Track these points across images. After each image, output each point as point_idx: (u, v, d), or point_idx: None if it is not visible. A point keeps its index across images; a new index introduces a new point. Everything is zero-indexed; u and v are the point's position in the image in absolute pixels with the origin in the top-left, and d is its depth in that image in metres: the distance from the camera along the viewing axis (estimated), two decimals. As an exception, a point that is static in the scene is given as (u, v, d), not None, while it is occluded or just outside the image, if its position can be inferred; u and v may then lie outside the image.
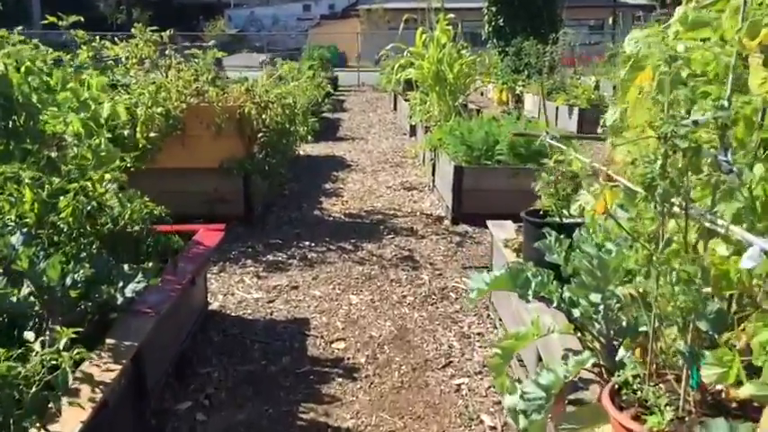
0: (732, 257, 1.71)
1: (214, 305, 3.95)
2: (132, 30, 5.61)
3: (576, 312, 1.99)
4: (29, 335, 1.88)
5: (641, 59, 2.17)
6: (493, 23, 14.93)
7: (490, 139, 5.76)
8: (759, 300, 1.65)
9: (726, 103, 1.48)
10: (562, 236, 2.19)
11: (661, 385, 1.64)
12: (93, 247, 2.58)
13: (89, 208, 2.63)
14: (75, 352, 1.76)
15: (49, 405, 1.84)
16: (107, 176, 3.04)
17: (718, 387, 1.59)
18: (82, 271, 2.16)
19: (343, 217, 5.99)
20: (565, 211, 2.76)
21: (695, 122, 1.42)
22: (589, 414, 1.78)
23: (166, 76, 5.47)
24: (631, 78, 2.27)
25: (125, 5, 42.51)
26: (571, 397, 2.03)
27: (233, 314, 3.87)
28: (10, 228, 2.31)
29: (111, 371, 2.23)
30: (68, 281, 2.11)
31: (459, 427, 2.74)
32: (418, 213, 6.06)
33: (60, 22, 4.70)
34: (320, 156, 9.13)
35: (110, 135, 3.68)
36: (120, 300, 2.31)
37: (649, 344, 1.60)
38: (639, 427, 1.53)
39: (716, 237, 1.53)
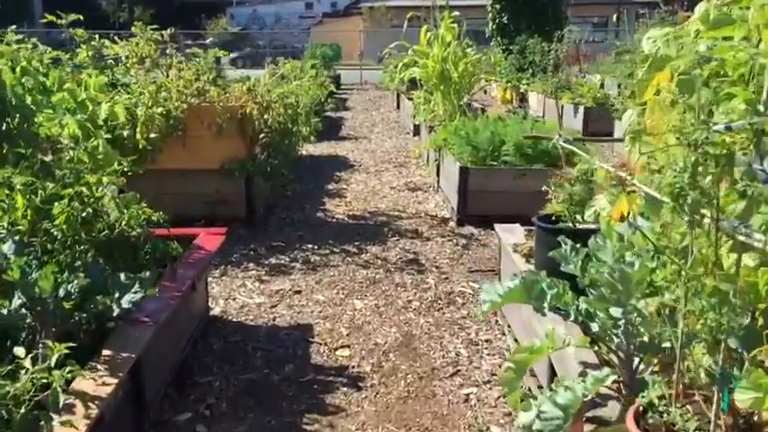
0: (761, 269, 1.61)
1: (215, 310, 3.86)
2: (133, 28, 5.52)
3: (595, 326, 1.89)
4: (19, 350, 1.79)
5: (661, 59, 2.07)
6: (497, 21, 14.79)
7: (496, 140, 5.66)
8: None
9: (762, 108, 1.38)
10: (578, 245, 2.09)
11: (688, 407, 1.54)
12: (89, 255, 2.49)
13: (84, 214, 2.54)
14: (66, 370, 1.66)
15: (41, 423, 1.76)
16: (105, 180, 2.95)
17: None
18: (76, 281, 2.07)
19: (346, 218, 5.89)
20: (578, 217, 2.66)
21: (728, 128, 1.32)
22: (611, 436, 1.69)
23: (167, 76, 5.37)
24: (650, 79, 2.18)
25: (127, 4, 42.46)
26: (588, 414, 1.93)
27: (234, 320, 3.78)
28: (1, 236, 2.22)
29: (108, 385, 2.14)
30: (62, 292, 2.02)
31: (469, 440, 2.65)
32: (423, 215, 5.96)
33: (59, 21, 4.62)
34: (323, 155, 9.03)
35: (109, 136, 3.60)
36: (116, 311, 2.22)
37: (676, 363, 1.50)
38: (667, 454, 1.43)
39: (751, 251, 1.43)
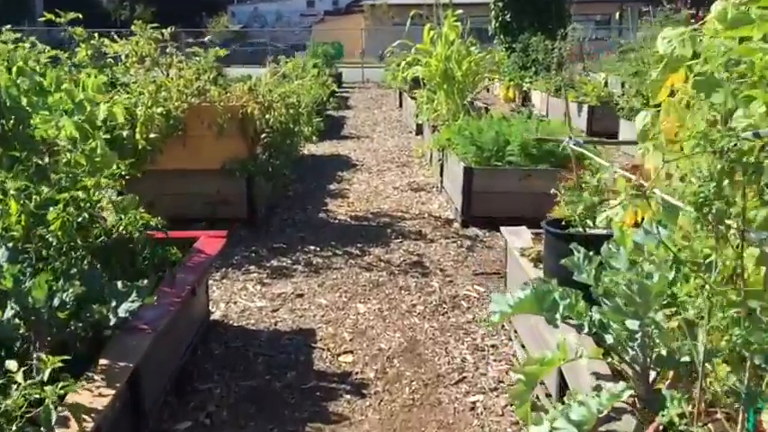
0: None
1: (216, 315, 3.80)
2: (132, 27, 5.45)
3: (609, 338, 1.82)
4: (11, 364, 1.72)
5: (676, 60, 2.00)
6: (500, 19, 14.71)
7: (501, 140, 5.58)
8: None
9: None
10: (591, 252, 2.01)
11: (710, 425, 1.47)
12: (85, 261, 2.42)
13: (80, 219, 2.47)
14: (59, 386, 1.59)
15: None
16: (103, 182, 2.88)
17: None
18: (71, 290, 2.00)
19: (348, 219, 5.82)
20: (589, 222, 2.58)
21: (756, 134, 1.25)
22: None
23: (167, 75, 5.30)
24: (664, 79, 2.10)
25: (128, 2, 42.37)
26: (602, 429, 1.86)
27: (235, 324, 3.71)
28: (-5, 242, 2.15)
29: (104, 396, 2.08)
30: (56, 301, 1.95)
31: (476, 450, 2.58)
32: (426, 216, 5.89)
33: (58, 20, 4.55)
34: (325, 155, 8.96)
35: (108, 136, 3.52)
36: (113, 320, 2.15)
37: (698, 380, 1.43)
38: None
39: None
